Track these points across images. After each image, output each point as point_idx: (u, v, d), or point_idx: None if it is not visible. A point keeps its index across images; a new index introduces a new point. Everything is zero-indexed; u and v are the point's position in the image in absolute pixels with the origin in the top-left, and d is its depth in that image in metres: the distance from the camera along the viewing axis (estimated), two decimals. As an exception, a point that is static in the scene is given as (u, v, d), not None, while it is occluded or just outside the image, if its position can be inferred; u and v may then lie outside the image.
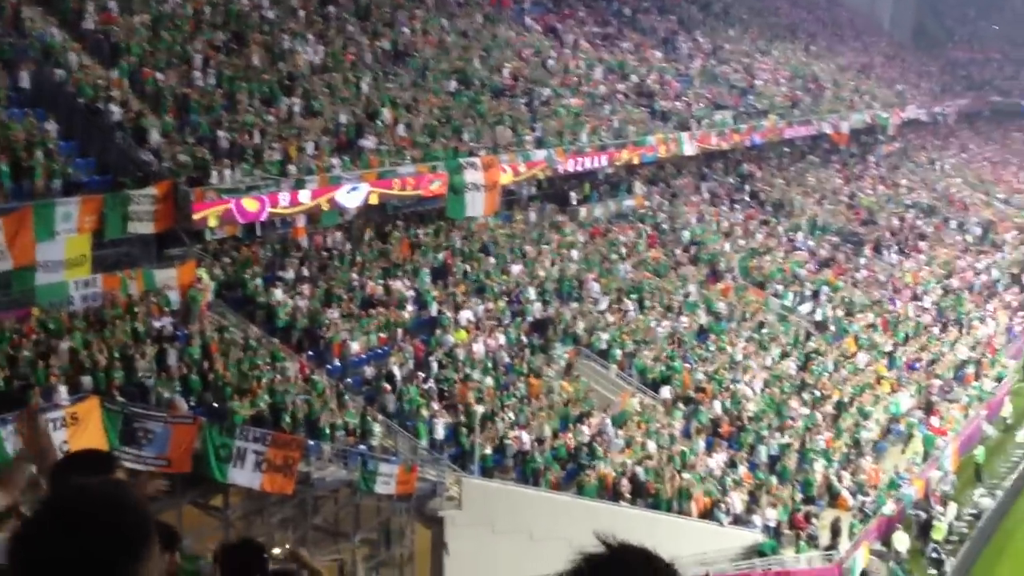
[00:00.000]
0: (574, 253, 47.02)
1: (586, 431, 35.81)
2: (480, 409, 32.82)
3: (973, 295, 59.08)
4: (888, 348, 49.92)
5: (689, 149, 57.22)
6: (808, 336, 49.07)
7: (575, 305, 43.18)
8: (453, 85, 48.69)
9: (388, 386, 33.38)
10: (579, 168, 50.03)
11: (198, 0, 43.23)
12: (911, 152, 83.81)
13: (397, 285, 38.43)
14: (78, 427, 24.23)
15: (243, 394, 29.17)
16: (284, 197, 35.43)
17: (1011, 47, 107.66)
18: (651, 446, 36.22)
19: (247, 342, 31.79)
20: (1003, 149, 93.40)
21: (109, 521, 2.57)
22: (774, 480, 37.12)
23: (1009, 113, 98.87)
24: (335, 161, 38.43)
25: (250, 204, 34.40)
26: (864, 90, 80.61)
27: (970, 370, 49.74)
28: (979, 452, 42.63)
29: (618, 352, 41.14)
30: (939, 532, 36.01)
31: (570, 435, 35.25)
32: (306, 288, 36.11)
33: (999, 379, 49.86)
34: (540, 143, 47.79)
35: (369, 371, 34.27)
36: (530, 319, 40.78)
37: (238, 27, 43.22)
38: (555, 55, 58.61)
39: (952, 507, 37.77)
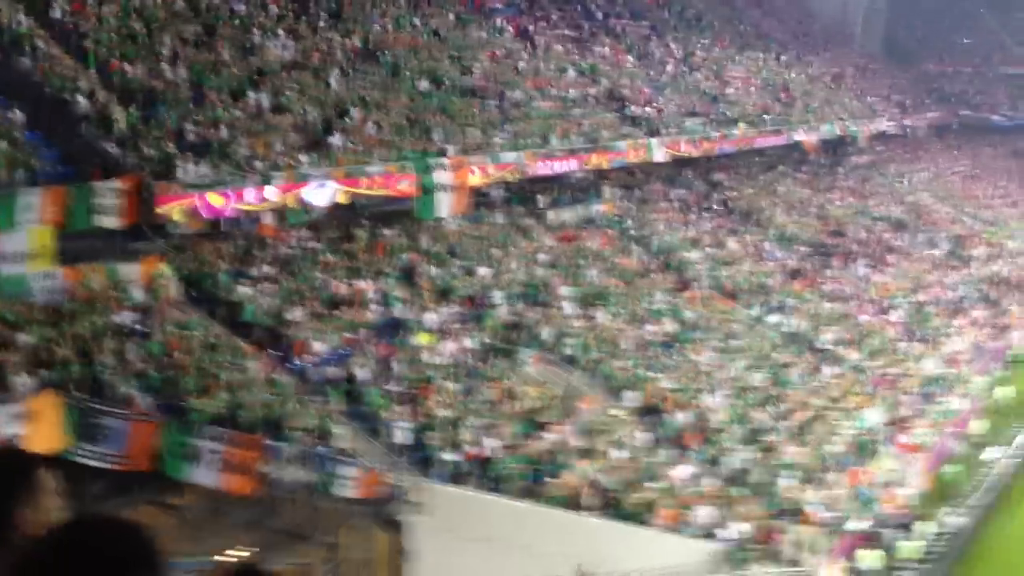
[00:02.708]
0: (542, 257, 46.75)
1: (550, 438, 35.52)
2: (443, 413, 32.48)
3: (941, 310, 59.12)
4: (855, 362, 49.81)
5: (659, 155, 57.02)
6: (775, 347, 48.97)
7: (541, 310, 42.91)
8: (424, 85, 48.32)
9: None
10: (549, 171, 49.74)
11: (168, -8, 42.86)
12: (880, 165, 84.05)
13: (362, 285, 38.08)
14: (35, 422, 23.85)
15: (203, 392, 28.76)
16: (250, 193, 35.01)
17: (981, 61, 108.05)
18: (615, 455, 35.96)
19: (209, 339, 31.37)
20: (974, 164, 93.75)
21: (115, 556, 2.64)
22: (740, 493, 36.87)
23: (979, 128, 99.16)
24: (303, 158, 38.03)
25: (215, 199, 33.93)
26: (835, 101, 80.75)
27: (938, 386, 49.67)
28: (948, 470, 42.43)
29: (584, 358, 40.91)
30: (906, 551, 35.86)
31: (534, 441, 34.96)
32: (270, 286, 35.73)
33: (967, 396, 49.76)
34: (510, 145, 47.47)
35: (332, 371, 33.89)
36: (496, 323, 40.47)
37: (208, 20, 42.76)
38: (526, 57, 58.38)
39: (920, 526, 37.60)
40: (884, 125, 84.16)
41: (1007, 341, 57.58)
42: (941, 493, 41.85)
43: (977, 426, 47.70)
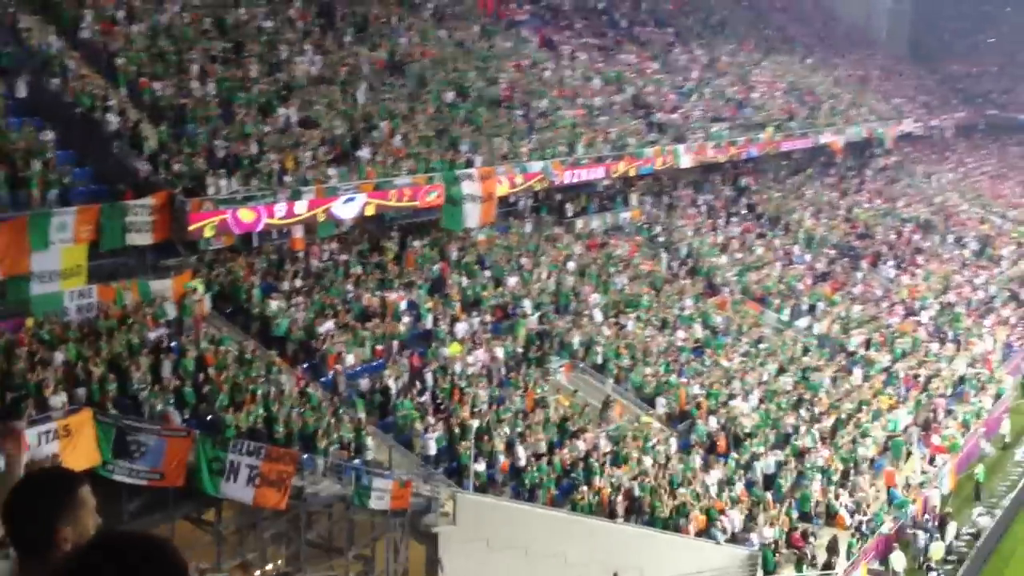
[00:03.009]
0: (570, 265, 46.86)
1: (581, 446, 35.61)
2: (475, 423, 32.61)
3: (970, 311, 58.91)
4: (885, 364, 49.73)
5: (686, 161, 57.08)
6: (805, 351, 48.90)
7: (571, 318, 43.02)
8: (450, 96, 48.50)
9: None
10: (576, 180, 49.84)
11: (196, 11, 43.11)
12: (908, 166, 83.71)
13: (392, 297, 38.27)
14: (71, 440, 24.00)
15: (237, 407, 28.96)
16: (280, 208, 35.24)
17: (1007, 60, 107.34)
18: (647, 462, 36.03)
19: (242, 354, 31.60)
20: (1000, 163, 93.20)
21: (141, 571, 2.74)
22: (770, 497, 36.88)
23: (1006, 127, 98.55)
24: (332, 172, 38.23)
25: (246, 215, 34.19)
26: (861, 103, 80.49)
27: (968, 387, 49.57)
28: (979, 470, 42.27)
29: (614, 366, 40.98)
30: (937, 552, 35.79)
31: (565, 450, 35.05)
32: (301, 300, 35.93)
33: (998, 396, 49.59)
34: (537, 154, 47.58)
35: (364, 383, 34.08)
36: (526, 332, 40.56)
37: (235, 37, 43.04)
38: (551, 67, 58.48)
39: (951, 526, 37.52)
40: (910, 126, 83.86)
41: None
42: (972, 494, 41.77)
43: (1008, 426, 47.59)
